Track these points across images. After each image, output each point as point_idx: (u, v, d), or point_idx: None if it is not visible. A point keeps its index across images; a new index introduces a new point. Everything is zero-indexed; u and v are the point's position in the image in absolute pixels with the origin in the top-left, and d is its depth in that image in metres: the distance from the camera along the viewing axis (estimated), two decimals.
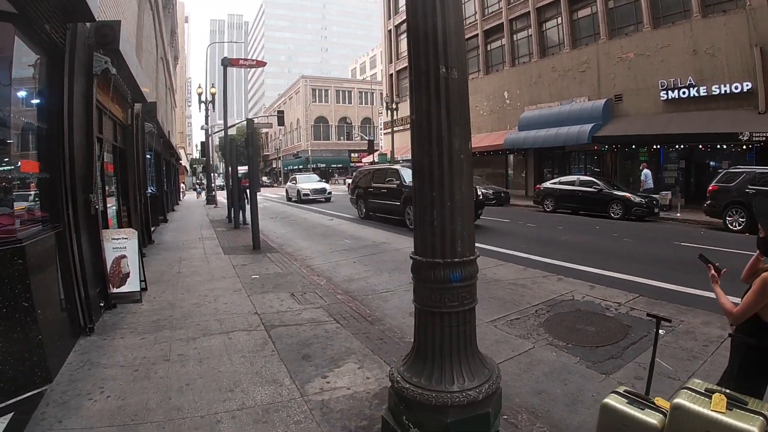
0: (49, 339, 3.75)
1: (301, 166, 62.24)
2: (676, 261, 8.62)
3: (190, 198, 40.07)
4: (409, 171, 14.47)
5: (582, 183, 18.50)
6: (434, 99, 2.43)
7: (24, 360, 3.44)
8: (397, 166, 15.91)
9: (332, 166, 66.70)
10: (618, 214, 16.42)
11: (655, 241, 11.19)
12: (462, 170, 2.48)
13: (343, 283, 7.54)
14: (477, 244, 9.82)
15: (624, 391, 2.47)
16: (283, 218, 18.57)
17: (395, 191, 14.49)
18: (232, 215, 15.57)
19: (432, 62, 2.42)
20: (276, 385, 3.73)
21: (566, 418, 3.39)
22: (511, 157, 30.11)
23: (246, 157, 10.15)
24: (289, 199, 29.61)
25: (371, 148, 40.86)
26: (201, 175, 63.22)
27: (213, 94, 26.55)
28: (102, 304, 5.47)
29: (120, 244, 6.05)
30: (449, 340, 2.54)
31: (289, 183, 31.87)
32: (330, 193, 27.91)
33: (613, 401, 2.41)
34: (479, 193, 14.15)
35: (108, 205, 7.15)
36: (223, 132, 42.38)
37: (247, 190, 16.00)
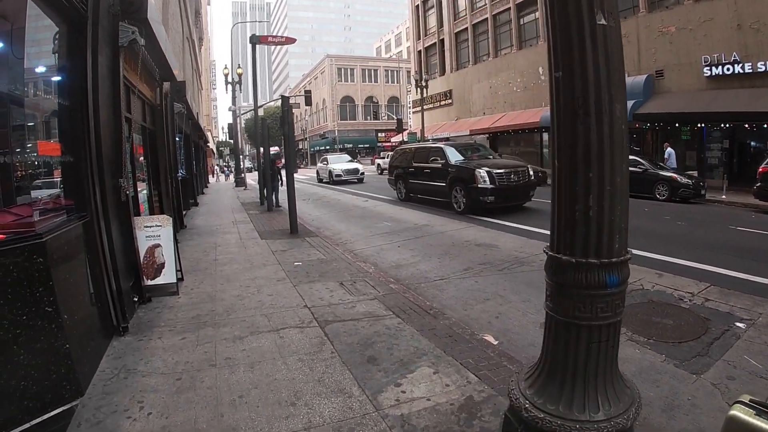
0: (78, 345, 3.25)
1: (327, 147, 61.62)
2: (738, 247, 8.06)
3: (218, 181, 40.04)
4: (455, 150, 13.60)
5: None
6: (591, 49, 1.83)
7: (50, 372, 2.93)
8: (440, 144, 14.86)
9: (359, 146, 65.87)
10: (664, 196, 15.62)
11: (710, 225, 10.62)
12: (622, 144, 1.85)
13: (392, 270, 6.99)
14: (524, 226, 9.90)
15: (749, 401, 1.90)
16: (316, 200, 18.08)
17: (440, 171, 13.52)
18: (265, 197, 15.13)
19: (586, 5, 1.82)
20: (344, 396, 3.18)
21: (666, 426, 2.96)
22: (545, 135, 28.95)
23: (274, 138, 9.55)
24: (320, 180, 29.14)
25: (400, 127, 40.00)
26: (228, 157, 63.50)
27: (240, 75, 26.06)
28: (136, 299, 4.99)
29: (154, 232, 5.56)
30: (595, 358, 1.98)
31: (319, 164, 31.44)
32: (363, 173, 27.33)
33: (741, 413, 1.84)
34: (531, 172, 13.17)
35: (139, 190, 6.69)
36: (249, 113, 42.07)
37: (282, 172, 15.63)
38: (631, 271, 5.81)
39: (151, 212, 7.58)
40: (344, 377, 3.44)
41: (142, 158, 7.46)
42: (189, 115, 14.48)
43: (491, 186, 11.84)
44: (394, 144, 54.34)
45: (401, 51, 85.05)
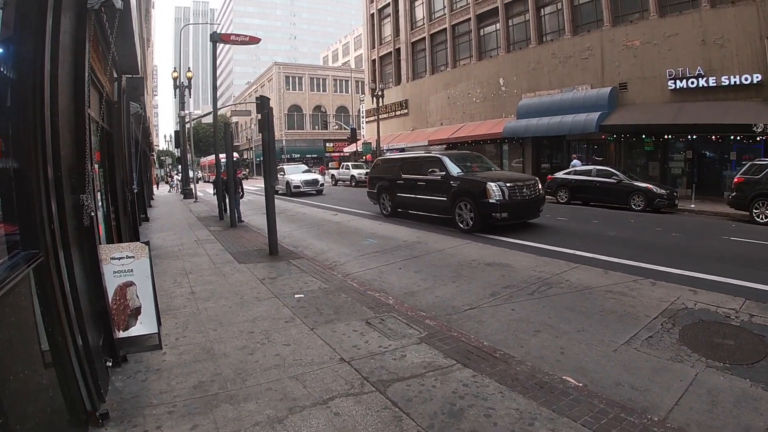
0: None
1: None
2: (745, 258, 8.22)
3: (161, 192, 37.35)
4: (452, 160, 12.26)
5: (599, 173, 17.60)
6: None
7: None
8: (437, 154, 13.28)
9: (307, 156, 64.02)
10: (640, 206, 15.79)
11: (703, 236, 10.78)
12: None
13: (408, 299, 5.98)
14: (527, 242, 9.76)
15: None
16: (279, 213, 16.36)
17: (439, 184, 12.00)
18: (225, 211, 13.60)
19: None
20: None
21: None
22: (505, 146, 28.73)
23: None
24: (275, 191, 27.13)
25: (354, 137, 38.89)
26: (170, 167, 59.97)
27: (190, 79, 24.12)
28: (109, 364, 3.61)
29: (124, 266, 4.15)
30: None
31: None
32: (323, 185, 25.77)
33: None
34: (540, 185, 11.98)
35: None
36: (195, 121, 39.73)
37: (242, 183, 14.16)
38: (666, 289, 5.96)
39: (109, 234, 6.08)
40: None
41: (99, 167, 5.96)
42: (143, 118, 12.79)
43: (504, 201, 10.61)
44: (345, 154, 53.18)
45: (349, 60, 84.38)
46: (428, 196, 12.49)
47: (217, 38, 13.98)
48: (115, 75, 6.77)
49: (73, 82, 3.35)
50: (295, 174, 25.54)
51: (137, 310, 4.16)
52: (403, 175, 13.54)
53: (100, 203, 5.88)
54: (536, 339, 4.58)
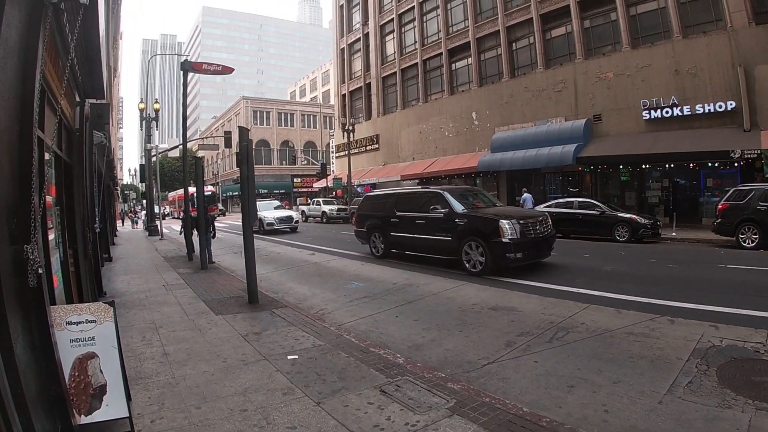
0: None
1: (240, 193, 58.03)
2: (747, 286, 8.25)
3: (125, 228, 35.57)
4: (452, 195, 11.34)
5: (581, 205, 17.60)
6: None
7: None
8: (438, 189, 11.94)
9: (274, 191, 62.99)
10: (624, 237, 15.82)
11: (699, 266, 10.78)
12: None
13: (416, 354, 5.29)
14: (524, 281, 9.30)
15: None
16: None
17: (442, 222, 10.93)
18: (193, 251, 12.56)
19: None
20: None
21: None
22: (478, 179, 28.58)
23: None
24: None
25: (324, 173, 38.21)
26: (134, 201, 57.82)
27: (157, 111, 23.13)
28: None
29: (83, 333, 3.28)
30: None
31: None
32: (297, 222, 24.79)
33: None
34: (550, 223, 11.07)
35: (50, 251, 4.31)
36: (161, 155, 38.44)
37: (215, 221, 13.17)
38: (687, 327, 5.71)
39: (67, 284, 5.12)
40: None
41: (55, 203, 5.05)
42: (107, 149, 11.77)
43: (518, 240, 9.68)
44: (314, 190, 52.34)
45: (317, 96, 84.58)
46: (429, 235, 11.35)
47: (188, 67, 13.22)
48: (77, 98, 5.91)
49: (20, 95, 2.56)
50: (268, 210, 24.50)
51: (101, 389, 3.30)
52: (398, 213, 12.47)
53: (57, 245, 4.98)
54: (573, 396, 4.08)
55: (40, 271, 2.70)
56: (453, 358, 5.14)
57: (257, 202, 26.44)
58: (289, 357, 4.92)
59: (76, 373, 3.22)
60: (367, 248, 13.96)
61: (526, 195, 21.18)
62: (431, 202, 11.45)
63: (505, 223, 9.73)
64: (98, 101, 6.98)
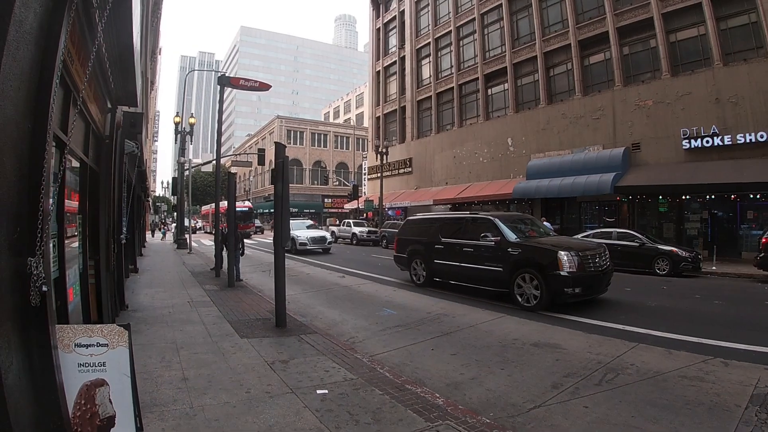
0: None
1: (272, 210, 58.36)
2: None
3: (154, 240, 35.94)
4: (508, 223, 10.66)
5: (620, 236, 16.72)
6: None
7: None
8: (488, 215, 11.14)
9: (305, 210, 63.23)
10: (665, 270, 14.99)
11: (746, 302, 10.19)
12: None
13: (455, 393, 4.81)
14: (566, 316, 8.76)
15: None
16: None
17: (492, 251, 10.15)
18: (222, 267, 12.28)
19: None
20: None
21: None
22: (512, 206, 27.87)
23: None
24: None
25: (356, 194, 37.96)
26: (164, 214, 58.68)
27: (192, 125, 23.34)
28: None
29: (93, 357, 2.91)
30: None
31: None
32: (331, 243, 24.24)
33: None
34: (608, 255, 10.20)
35: (66, 260, 3.98)
36: (194, 169, 38.93)
37: (249, 237, 12.90)
38: (742, 370, 5.44)
39: (84, 298, 4.81)
40: None
41: (77, 212, 4.76)
42: (139, 160, 11.69)
43: (577, 273, 8.93)
44: (345, 210, 52.18)
45: (350, 118, 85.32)
46: (477, 264, 10.55)
47: (225, 82, 13.19)
48: (109, 105, 5.69)
49: (35, 88, 2.22)
50: (301, 230, 24.11)
51: (109, 421, 2.90)
52: (443, 239, 11.67)
53: (76, 255, 4.67)
54: None
55: (44, 288, 2.33)
56: (496, 399, 4.66)
57: (290, 221, 26.48)
58: (318, 391, 4.46)
59: (83, 401, 2.83)
60: (400, 273, 13.46)
61: (546, 224, 20.50)
62: (481, 229, 10.67)
63: (563, 255, 9.01)
64: (131, 110, 6.77)
